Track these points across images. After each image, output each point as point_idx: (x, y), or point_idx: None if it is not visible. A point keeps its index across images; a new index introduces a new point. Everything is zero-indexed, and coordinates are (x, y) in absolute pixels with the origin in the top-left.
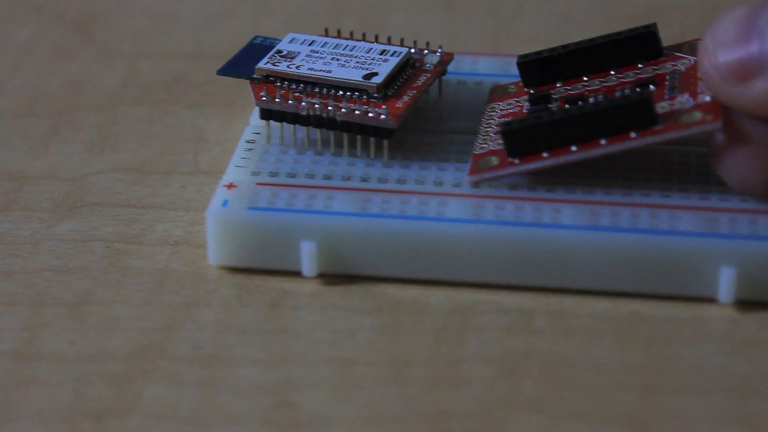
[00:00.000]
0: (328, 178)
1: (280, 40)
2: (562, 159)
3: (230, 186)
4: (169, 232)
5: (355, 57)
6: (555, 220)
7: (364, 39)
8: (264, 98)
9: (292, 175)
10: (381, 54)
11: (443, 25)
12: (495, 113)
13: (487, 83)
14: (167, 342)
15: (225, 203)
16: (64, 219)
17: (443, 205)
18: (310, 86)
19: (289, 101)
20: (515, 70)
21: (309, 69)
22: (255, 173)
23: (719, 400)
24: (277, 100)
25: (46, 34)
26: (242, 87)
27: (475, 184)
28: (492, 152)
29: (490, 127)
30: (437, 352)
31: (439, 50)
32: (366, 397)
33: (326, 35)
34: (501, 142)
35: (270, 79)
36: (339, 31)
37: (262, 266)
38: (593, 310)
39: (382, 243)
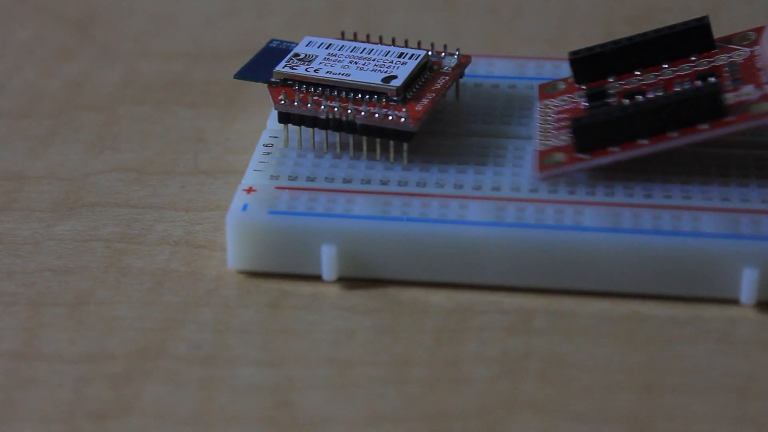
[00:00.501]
0: (347, 181)
1: (297, 44)
2: (633, 153)
3: (249, 190)
4: (169, 232)
5: (373, 60)
6: (577, 222)
7: (381, 42)
8: (282, 102)
9: (311, 179)
10: (399, 57)
11: (443, 25)
12: (550, 110)
13: (503, 85)
14: (167, 342)
15: (245, 207)
16: (64, 219)
17: (464, 208)
18: (328, 90)
19: (308, 105)
20: (531, 72)
21: (327, 72)
22: (274, 177)
23: (719, 400)
24: (295, 103)
25: (46, 34)
26: (242, 87)
27: (545, 180)
28: (557, 148)
29: (548, 123)
30: (437, 352)
31: (457, 53)
32: (366, 397)
33: (342, 38)
34: (565, 138)
35: (288, 82)
36: (356, 34)
37: (281, 270)
38: (593, 310)
39: (404, 246)
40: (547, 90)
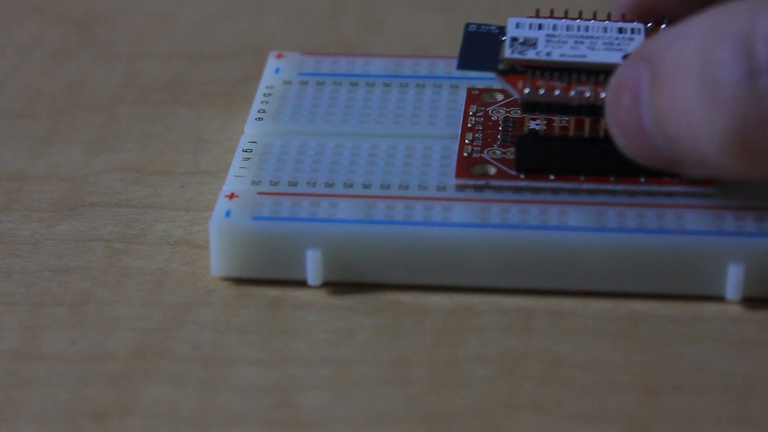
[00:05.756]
0: (330, 185)
1: (495, 26)
2: (568, 185)
3: (231, 196)
4: (169, 232)
5: (598, 38)
6: (562, 222)
7: (595, 18)
8: (528, 91)
9: (293, 184)
10: (620, 32)
11: (443, 25)
12: (482, 118)
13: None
14: (167, 342)
15: (228, 213)
16: (64, 219)
17: (448, 210)
18: (566, 73)
19: (556, 92)
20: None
21: (561, 55)
22: (255, 183)
23: (719, 400)
24: (541, 91)
25: (46, 34)
26: (242, 87)
27: (461, 188)
28: (485, 160)
29: (478, 131)
30: (437, 352)
31: (665, 24)
32: (366, 397)
33: (552, 16)
34: (502, 151)
35: (519, 69)
36: (566, 12)
37: (265, 276)
38: (593, 310)
39: (389, 249)
40: (484, 97)
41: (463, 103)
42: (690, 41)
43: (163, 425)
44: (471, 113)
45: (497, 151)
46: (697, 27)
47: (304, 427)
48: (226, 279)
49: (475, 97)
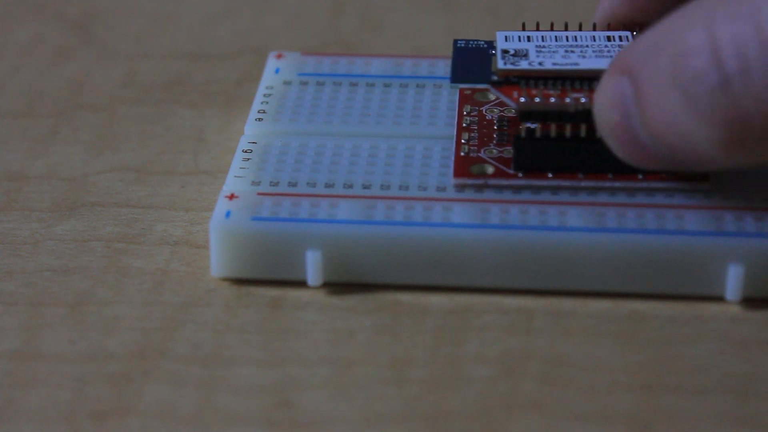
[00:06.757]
0: (329, 186)
1: (483, 41)
2: (567, 183)
3: (231, 197)
4: (169, 232)
5: (588, 46)
6: (561, 222)
7: (580, 29)
8: (523, 100)
9: (293, 184)
10: (609, 40)
11: (443, 25)
12: (476, 117)
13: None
14: (167, 342)
15: (228, 214)
16: (64, 219)
17: (448, 210)
18: (560, 81)
19: (552, 99)
20: None
21: (553, 64)
22: (255, 183)
23: (719, 400)
24: (537, 99)
25: (46, 34)
26: (242, 87)
27: (460, 188)
28: (482, 160)
29: (473, 131)
30: (437, 352)
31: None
32: (366, 397)
33: (537, 29)
34: (498, 150)
35: (512, 80)
36: (552, 24)
37: (265, 276)
38: (593, 310)
39: (389, 250)
40: (476, 96)
41: None
42: (663, 53)
43: (163, 425)
44: (465, 113)
45: (494, 150)
46: (666, 36)
47: (304, 427)
48: (226, 279)
49: (467, 97)
